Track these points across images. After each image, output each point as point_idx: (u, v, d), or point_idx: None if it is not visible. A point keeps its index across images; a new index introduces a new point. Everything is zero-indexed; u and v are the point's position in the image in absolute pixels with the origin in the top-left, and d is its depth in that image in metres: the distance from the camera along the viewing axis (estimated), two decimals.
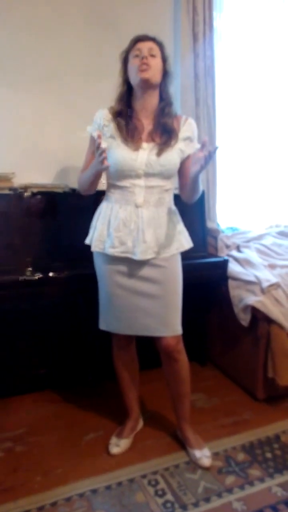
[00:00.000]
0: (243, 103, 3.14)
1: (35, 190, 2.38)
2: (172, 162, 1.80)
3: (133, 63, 1.74)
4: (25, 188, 2.39)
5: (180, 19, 2.78)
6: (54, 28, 2.56)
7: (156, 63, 1.74)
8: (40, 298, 2.23)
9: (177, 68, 2.81)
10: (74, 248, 2.21)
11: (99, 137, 1.65)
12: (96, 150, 1.63)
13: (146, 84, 1.75)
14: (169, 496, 1.78)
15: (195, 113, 2.84)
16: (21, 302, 2.27)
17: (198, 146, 1.87)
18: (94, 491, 1.81)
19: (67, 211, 2.42)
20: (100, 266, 1.91)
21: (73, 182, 2.34)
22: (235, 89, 3.09)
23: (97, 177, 1.81)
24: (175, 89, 2.79)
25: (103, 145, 1.62)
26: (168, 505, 1.73)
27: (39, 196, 2.37)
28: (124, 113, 1.81)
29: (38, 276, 2.18)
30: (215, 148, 1.61)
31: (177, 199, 1.93)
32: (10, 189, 2.36)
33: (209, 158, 1.59)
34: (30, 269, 2.24)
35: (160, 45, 1.78)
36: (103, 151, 1.61)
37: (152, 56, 1.73)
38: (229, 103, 3.08)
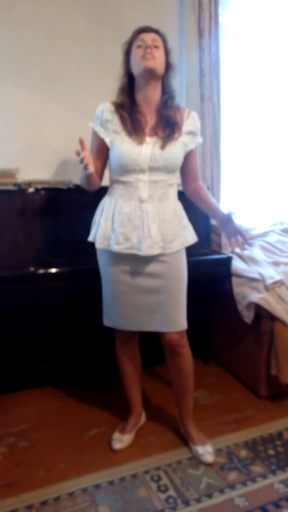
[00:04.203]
0: (248, 99, 3.13)
1: (39, 186, 2.38)
2: (176, 156, 1.79)
3: (137, 53, 1.72)
4: (29, 184, 2.39)
5: (185, 14, 2.77)
6: (57, 25, 2.56)
7: (159, 54, 1.73)
8: (43, 293, 2.24)
9: (182, 64, 2.81)
10: (78, 244, 2.21)
11: (81, 143, 1.63)
12: (77, 156, 1.63)
13: (150, 74, 1.73)
14: (171, 492, 1.78)
15: (200, 109, 2.84)
16: (24, 298, 2.29)
17: (200, 140, 1.91)
18: (97, 486, 1.82)
19: (70, 207, 2.42)
20: (104, 263, 1.91)
21: (77, 178, 2.34)
22: (241, 85, 3.08)
23: (90, 177, 1.78)
24: (180, 84, 2.82)
25: (84, 154, 1.62)
26: (171, 500, 1.74)
27: (42, 192, 2.37)
28: (127, 106, 1.79)
29: (41, 271, 2.18)
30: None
31: (181, 194, 1.93)
32: (14, 185, 2.36)
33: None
34: (33, 264, 2.24)
35: (163, 37, 1.77)
36: (83, 158, 1.61)
37: (156, 47, 1.72)
38: (234, 99, 3.07)
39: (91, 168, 1.66)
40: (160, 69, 1.75)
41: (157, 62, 1.72)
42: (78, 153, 1.62)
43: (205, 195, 1.99)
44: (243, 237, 1.90)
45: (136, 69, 1.74)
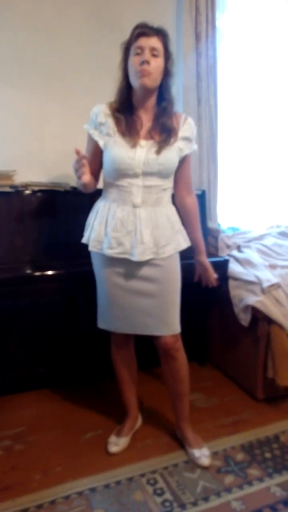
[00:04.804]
0: (245, 102, 3.14)
1: (35, 188, 2.38)
2: (171, 161, 1.78)
3: (134, 62, 1.67)
4: (26, 186, 2.38)
5: (182, 18, 2.77)
6: (56, 27, 2.56)
7: (157, 65, 1.68)
8: (39, 295, 2.24)
9: (179, 68, 2.81)
10: (74, 246, 2.20)
11: (77, 153, 1.62)
12: (75, 164, 1.64)
13: (145, 90, 1.72)
14: (167, 495, 1.78)
15: (197, 113, 2.84)
16: (20, 300, 2.28)
17: (195, 147, 1.89)
18: (92, 490, 1.81)
19: (67, 209, 2.42)
20: (98, 266, 1.90)
21: (74, 180, 2.34)
22: (237, 89, 3.09)
23: (85, 185, 1.76)
24: (177, 88, 2.82)
25: (83, 158, 1.63)
26: (167, 504, 1.73)
27: (39, 194, 2.37)
28: (123, 109, 1.77)
29: (37, 273, 2.18)
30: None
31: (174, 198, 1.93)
32: (11, 187, 2.36)
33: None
34: (30, 266, 2.24)
35: (164, 39, 1.70)
36: (81, 165, 1.62)
37: (154, 56, 1.66)
38: (231, 102, 3.08)
39: (85, 179, 1.68)
40: (155, 83, 1.72)
41: (153, 77, 1.68)
42: (76, 162, 1.63)
43: (195, 225, 2.00)
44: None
45: (133, 81, 1.72)
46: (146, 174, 1.74)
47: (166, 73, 1.75)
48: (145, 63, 1.65)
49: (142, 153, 1.73)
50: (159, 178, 1.78)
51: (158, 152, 1.74)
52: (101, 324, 1.97)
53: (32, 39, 2.51)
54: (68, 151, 2.61)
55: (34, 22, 2.50)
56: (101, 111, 1.79)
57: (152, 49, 1.66)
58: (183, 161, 1.86)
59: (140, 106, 1.79)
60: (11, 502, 1.74)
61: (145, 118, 1.80)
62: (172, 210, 1.88)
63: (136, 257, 1.74)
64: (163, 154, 1.74)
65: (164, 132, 1.77)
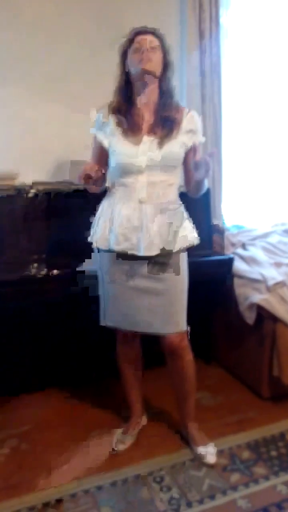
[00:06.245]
0: (249, 100, 3.13)
1: (40, 188, 2.37)
2: (174, 154, 1.78)
3: (134, 58, 1.71)
4: (29, 187, 2.38)
5: (186, 16, 2.77)
6: (58, 27, 2.56)
7: (156, 57, 1.72)
8: (44, 295, 2.24)
9: (183, 65, 2.81)
10: (78, 246, 2.21)
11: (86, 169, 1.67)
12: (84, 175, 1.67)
13: (147, 76, 1.72)
14: (174, 493, 1.78)
15: (201, 110, 2.83)
16: (26, 300, 2.28)
17: (202, 139, 1.88)
18: (99, 488, 1.82)
19: (71, 209, 2.41)
20: (102, 264, 1.90)
21: (77, 181, 2.35)
22: (242, 86, 3.08)
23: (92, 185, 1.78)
24: (181, 85, 2.82)
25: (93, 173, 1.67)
26: (173, 502, 1.74)
27: (43, 195, 2.36)
28: (123, 107, 1.79)
29: (42, 273, 2.19)
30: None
31: (182, 196, 1.92)
32: (15, 188, 2.36)
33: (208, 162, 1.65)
34: (34, 267, 2.24)
35: (160, 38, 1.74)
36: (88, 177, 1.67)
37: (153, 49, 1.70)
38: (235, 100, 3.07)
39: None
40: (157, 70, 1.74)
41: (154, 64, 1.71)
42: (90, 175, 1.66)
43: None
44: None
45: (134, 72, 1.74)
46: (150, 169, 1.75)
47: (165, 66, 1.78)
48: (145, 51, 1.69)
49: (145, 148, 1.74)
50: (163, 173, 1.78)
51: (161, 145, 1.74)
52: (106, 321, 1.96)
53: (34, 40, 2.52)
54: (70, 151, 2.64)
55: (36, 23, 2.51)
56: (104, 112, 1.82)
57: (151, 42, 1.71)
58: (191, 152, 1.85)
59: (141, 103, 1.79)
60: (17, 500, 1.75)
61: (147, 114, 1.80)
62: (179, 207, 1.87)
63: (142, 252, 1.74)
64: (165, 147, 1.75)
65: (166, 125, 1.77)
